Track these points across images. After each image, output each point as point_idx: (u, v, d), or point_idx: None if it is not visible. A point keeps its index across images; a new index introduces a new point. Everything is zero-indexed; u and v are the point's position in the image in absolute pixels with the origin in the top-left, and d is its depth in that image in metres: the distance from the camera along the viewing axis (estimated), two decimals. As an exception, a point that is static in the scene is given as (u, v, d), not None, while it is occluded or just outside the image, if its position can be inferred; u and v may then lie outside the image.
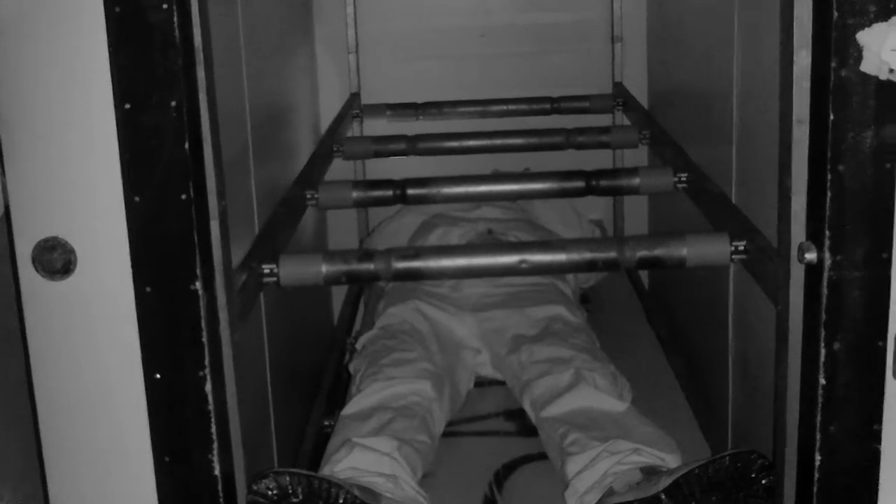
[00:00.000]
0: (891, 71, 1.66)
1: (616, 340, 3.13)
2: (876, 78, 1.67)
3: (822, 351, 1.83)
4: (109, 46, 1.65)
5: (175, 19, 1.63)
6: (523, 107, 3.96)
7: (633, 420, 2.49)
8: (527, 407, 2.70)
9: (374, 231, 3.80)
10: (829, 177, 1.76)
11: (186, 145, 1.69)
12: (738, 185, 2.59)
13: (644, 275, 3.98)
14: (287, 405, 2.86)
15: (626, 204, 4.13)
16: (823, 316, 1.81)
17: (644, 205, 4.04)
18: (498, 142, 3.66)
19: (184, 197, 1.70)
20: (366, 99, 4.06)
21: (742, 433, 2.63)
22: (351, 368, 2.88)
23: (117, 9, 1.62)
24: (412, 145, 3.65)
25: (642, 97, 3.93)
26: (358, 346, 2.95)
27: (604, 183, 3.01)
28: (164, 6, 1.62)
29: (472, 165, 3.72)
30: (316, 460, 2.74)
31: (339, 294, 3.95)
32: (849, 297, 1.79)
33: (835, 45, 1.67)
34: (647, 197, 3.94)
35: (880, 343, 1.80)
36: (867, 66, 1.69)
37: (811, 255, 1.82)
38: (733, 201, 2.57)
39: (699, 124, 3.03)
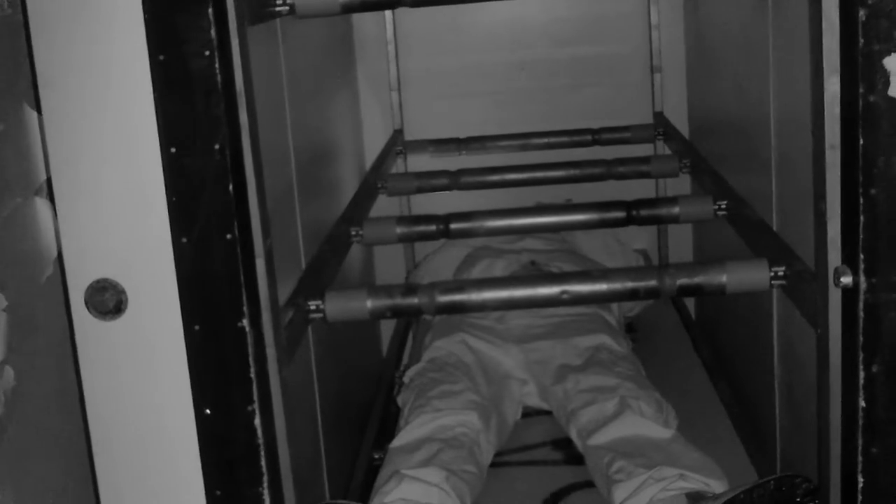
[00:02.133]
0: (918, 95, 1.68)
1: (662, 368, 3.15)
2: (905, 103, 1.70)
3: (861, 374, 1.84)
4: (154, 93, 1.71)
5: (216, 66, 1.69)
6: (564, 139, 3.99)
7: (679, 447, 2.50)
8: (573, 436, 2.72)
9: (420, 265, 3.85)
10: (861, 201, 1.78)
11: (230, 187, 1.74)
12: (778, 211, 2.61)
13: (690, 303, 4.00)
14: (337, 439, 2.90)
15: (671, 233, 4.15)
16: (861, 339, 1.83)
17: (689, 233, 4.06)
18: (539, 174, 3.71)
19: (229, 237, 1.75)
20: (409, 135, 4.12)
21: (790, 459, 2.64)
22: (399, 401, 2.92)
23: (161, 57, 1.68)
24: (455, 180, 3.70)
25: (683, 126, 3.96)
26: (405, 379, 2.99)
27: (644, 212, 3.04)
28: (206, 53, 1.67)
29: (514, 198, 3.76)
30: (366, 493, 2.78)
31: (387, 328, 3.99)
32: (886, 319, 1.81)
33: (862, 71, 1.70)
34: (691, 226, 3.96)
35: (919, 364, 1.82)
36: (895, 91, 1.71)
37: (847, 279, 1.84)
38: (774, 228, 2.59)
39: (739, 152, 3.05)
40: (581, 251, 3.64)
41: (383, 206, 3.75)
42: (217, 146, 1.72)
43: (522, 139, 4.02)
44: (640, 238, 4.12)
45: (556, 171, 3.71)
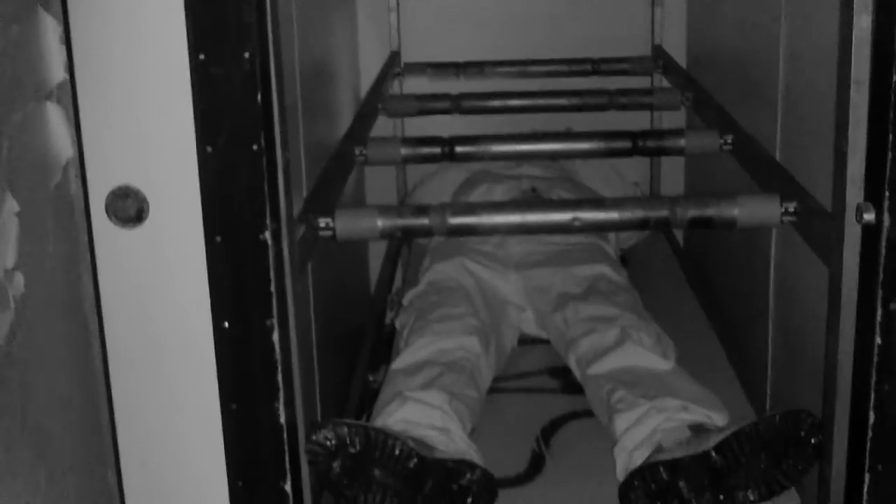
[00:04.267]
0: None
1: (656, 300, 3.14)
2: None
3: (879, 311, 1.85)
4: (185, -5, 1.67)
5: (249, -32, 1.66)
6: (563, 68, 3.97)
7: (679, 379, 2.51)
8: (572, 364, 2.73)
9: (417, 187, 3.82)
10: (890, 138, 1.78)
11: (258, 97, 1.71)
12: (782, 147, 2.60)
13: (679, 233, 4.00)
14: (330, 359, 2.90)
15: (664, 168, 4.14)
16: (881, 276, 1.84)
17: (680, 169, 4.05)
18: (541, 102, 3.69)
19: (255, 148, 1.72)
20: (406, 58, 4.08)
21: (782, 394, 2.66)
22: (397, 324, 2.91)
23: (194, -40, 1.64)
24: (456, 104, 3.67)
25: (681, 60, 3.94)
26: (404, 301, 2.98)
27: (650, 144, 3.03)
28: (240, -46, 1.64)
29: (511, 126, 3.74)
30: (360, 413, 2.78)
31: (375, 252, 3.98)
32: (907, 256, 1.82)
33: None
34: (683, 159, 3.95)
35: (938, 303, 1.83)
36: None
37: (869, 216, 1.84)
38: (780, 163, 2.58)
39: (741, 87, 3.04)
40: (580, 179, 3.62)
41: (377, 129, 3.72)
42: (247, 55, 1.69)
43: (521, 66, 3.99)
44: (634, 170, 4.11)
45: (558, 99, 3.69)
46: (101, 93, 1.73)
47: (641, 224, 2.32)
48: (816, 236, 2.17)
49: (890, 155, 1.79)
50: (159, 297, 1.82)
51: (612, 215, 2.29)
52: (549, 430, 2.57)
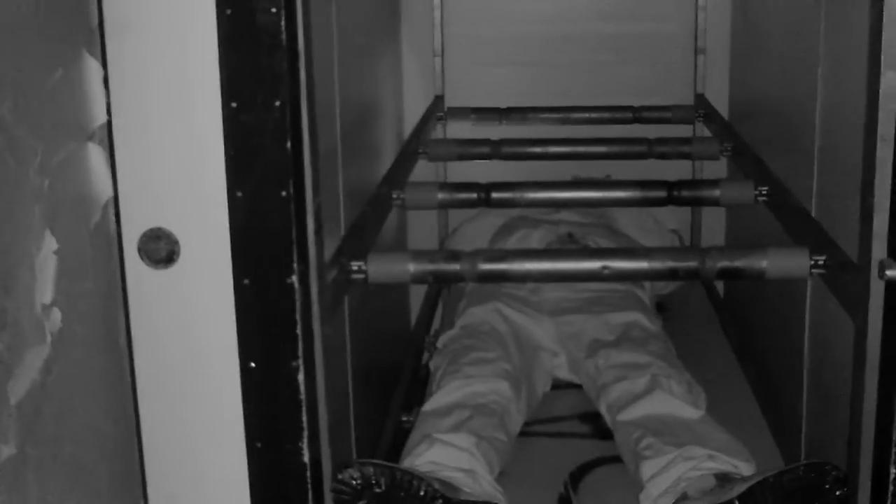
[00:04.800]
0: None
1: (691, 349, 3.17)
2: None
3: (902, 366, 1.87)
4: (219, 47, 1.72)
5: (282, 22, 1.70)
6: (605, 115, 4.01)
7: (708, 427, 2.53)
8: (603, 410, 2.74)
9: (456, 231, 3.86)
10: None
11: (288, 144, 1.76)
12: (817, 199, 2.61)
13: (719, 284, 4.00)
14: (366, 399, 2.93)
15: (705, 215, 4.15)
16: (904, 331, 1.85)
17: (722, 217, 4.06)
18: (581, 149, 3.72)
19: (284, 194, 1.77)
20: (449, 102, 4.13)
21: (815, 445, 2.65)
22: (431, 366, 2.94)
23: (228, 11, 1.69)
24: (496, 149, 3.71)
25: (723, 110, 3.96)
26: (439, 344, 3.02)
27: (685, 193, 3.05)
28: (273, 9, 1.69)
29: (550, 172, 3.76)
30: (393, 454, 2.80)
31: (416, 294, 4.02)
32: (929, 312, 1.83)
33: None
34: (724, 210, 3.96)
35: (959, 359, 1.84)
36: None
37: (892, 272, 1.86)
38: (813, 215, 2.60)
39: (780, 138, 3.06)
40: (617, 227, 3.65)
41: (419, 172, 3.76)
42: (278, 103, 1.74)
43: (563, 112, 4.03)
44: (674, 218, 4.12)
45: (597, 147, 3.72)
46: (136, 136, 1.79)
47: (671, 274, 2.34)
48: (844, 290, 2.18)
49: (913, 212, 1.81)
50: (188, 337, 1.86)
51: (642, 264, 2.31)
52: (578, 475, 2.58)
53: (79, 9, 1.82)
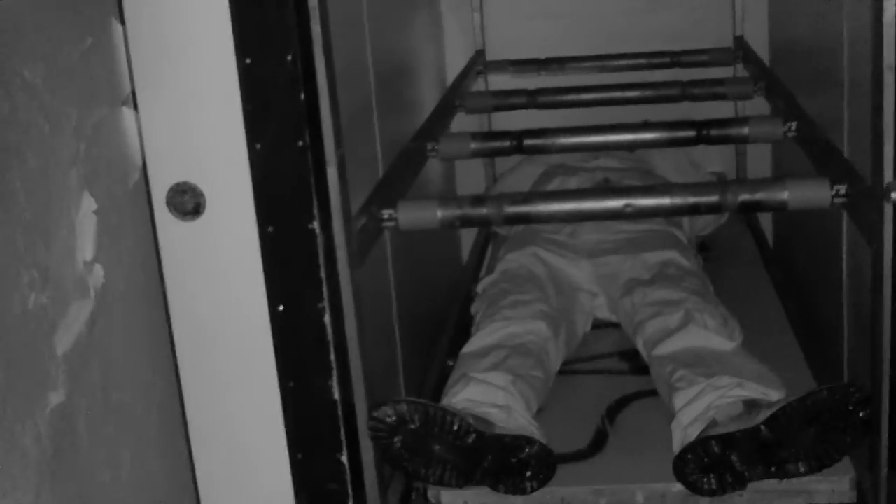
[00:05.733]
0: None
1: (732, 286, 3.21)
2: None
3: (911, 287, 1.91)
4: (230, 6, 1.80)
5: (289, -21, 1.79)
6: (643, 61, 4.04)
7: (741, 358, 2.57)
8: (639, 347, 2.80)
9: (498, 181, 3.93)
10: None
11: (301, 96, 1.84)
12: (849, 134, 2.64)
13: (767, 225, 4.03)
14: (415, 344, 3.02)
15: (750, 156, 4.17)
16: (910, 252, 1.90)
17: (768, 156, 4.07)
18: (615, 94, 3.75)
19: (300, 144, 1.86)
20: (490, 56, 4.18)
21: (857, 377, 2.68)
22: (472, 310, 3.02)
23: (237, -31, 1.78)
24: (532, 99, 3.76)
25: (764, 51, 3.97)
26: (479, 289, 3.09)
27: (714, 132, 3.07)
28: (279, -34, 1.77)
29: (594, 120, 3.80)
30: (438, 396, 2.89)
31: (468, 241, 4.09)
32: (935, 232, 1.87)
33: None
34: (770, 148, 3.98)
35: (968, 275, 1.88)
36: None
37: (896, 194, 1.90)
38: (845, 151, 2.62)
39: (813, 75, 3.07)
40: (655, 171, 3.69)
41: (465, 124, 3.83)
42: (289, 57, 1.82)
43: (601, 61, 4.06)
44: (719, 160, 4.15)
45: (631, 92, 3.74)
46: (157, 95, 1.88)
47: (692, 209, 2.39)
48: (863, 217, 2.21)
49: (916, 134, 1.85)
50: (219, 284, 1.96)
51: (664, 201, 2.36)
52: (615, 409, 2.65)
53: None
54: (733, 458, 2.23)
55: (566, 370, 2.83)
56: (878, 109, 1.97)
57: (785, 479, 2.25)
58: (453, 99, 3.63)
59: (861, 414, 2.17)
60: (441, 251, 3.71)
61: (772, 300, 3.26)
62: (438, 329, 3.33)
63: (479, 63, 4.09)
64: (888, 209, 1.97)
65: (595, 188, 3.28)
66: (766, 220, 4.03)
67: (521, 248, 3.12)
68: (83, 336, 1.78)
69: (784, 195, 2.36)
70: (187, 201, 1.90)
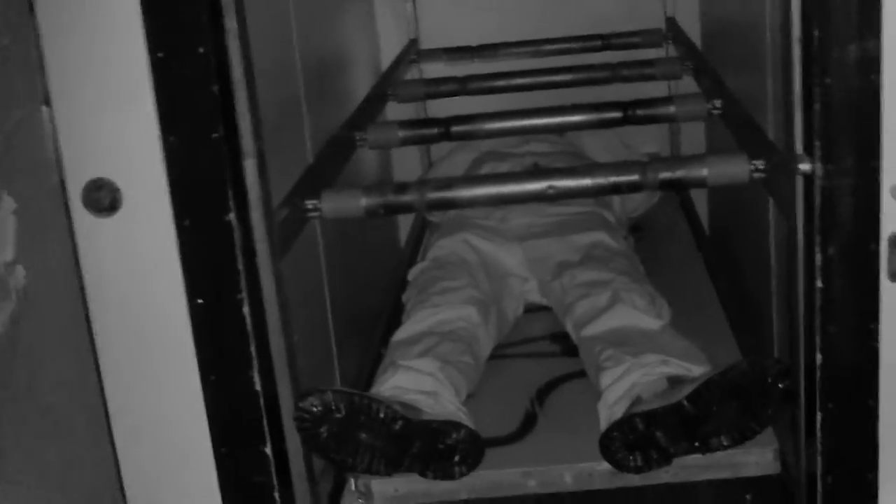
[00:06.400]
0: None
1: (664, 266, 3.25)
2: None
3: (819, 256, 1.94)
4: (141, 1, 1.81)
5: (197, -26, 1.80)
6: (575, 45, 4.07)
7: (668, 337, 2.60)
8: (569, 328, 2.83)
9: (430, 170, 3.95)
10: (817, 90, 1.87)
11: (215, 89, 1.85)
12: (773, 111, 2.67)
13: (702, 205, 4.06)
14: (350, 333, 3.03)
15: (684, 136, 4.21)
16: (818, 223, 1.93)
17: (702, 136, 4.11)
18: (545, 79, 3.78)
19: (214, 136, 1.86)
20: (425, 44, 4.20)
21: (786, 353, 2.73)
22: (403, 298, 3.03)
23: (148, -34, 1.79)
24: (463, 86, 3.79)
25: (696, 31, 4.00)
26: (410, 277, 3.10)
27: (640, 112, 3.11)
28: (188, -41, 1.78)
29: (529, 104, 3.82)
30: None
31: (405, 229, 4.11)
32: (840, 204, 1.91)
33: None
34: (703, 127, 4.02)
35: (873, 246, 1.91)
36: (848, -16, 1.79)
37: (805, 166, 1.94)
38: (770, 128, 2.65)
39: (741, 55, 3.10)
40: (585, 153, 3.72)
41: (400, 113, 3.84)
42: (201, 50, 1.83)
43: (534, 46, 4.09)
44: (653, 141, 4.19)
45: (562, 76, 3.78)
46: (71, 91, 1.88)
47: (614, 188, 2.41)
48: (780, 193, 2.25)
49: (818, 107, 1.88)
50: (138, 279, 1.96)
51: (586, 181, 2.39)
52: (545, 392, 2.67)
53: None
54: (658, 434, 2.26)
55: (498, 354, 2.86)
56: (787, 83, 2.00)
57: (709, 453, 2.28)
58: (385, 88, 3.65)
59: (781, 386, 2.20)
60: (377, 238, 3.72)
61: (703, 279, 3.30)
62: (376, 317, 3.34)
63: (412, 52, 4.10)
64: (799, 182, 2.00)
65: (517, 171, 3.30)
66: (702, 203, 4.07)
67: (451, 235, 3.13)
68: (5, 338, 1.78)
69: (703, 172, 2.39)
70: (103, 197, 1.90)
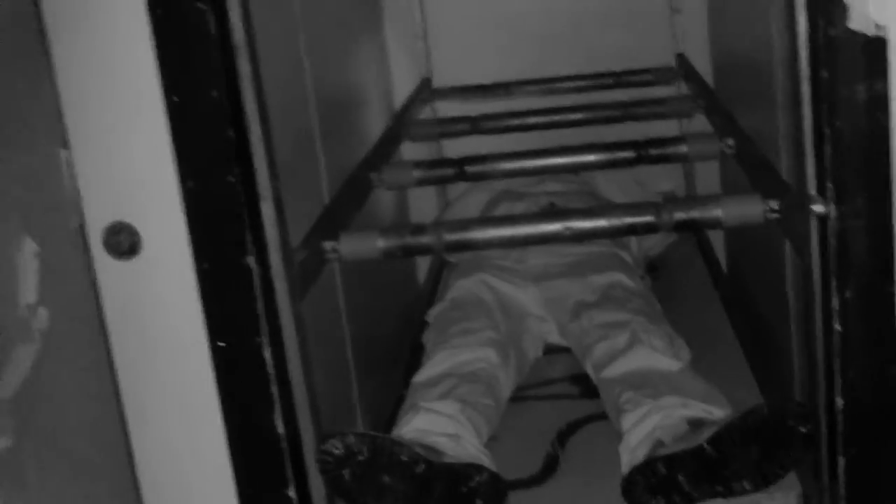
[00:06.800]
0: (878, 27, 1.75)
1: (680, 305, 3.24)
2: (864, 35, 1.76)
3: (835, 299, 1.94)
4: (155, 46, 1.82)
5: (211, 19, 1.81)
6: (587, 83, 4.08)
7: (687, 378, 2.59)
8: (589, 370, 2.82)
9: (446, 210, 3.95)
10: (827, 132, 1.87)
11: (230, 132, 1.86)
12: (785, 150, 2.67)
13: (719, 244, 4.05)
14: (371, 373, 3.03)
15: (699, 175, 4.21)
16: (833, 265, 1.92)
17: (716, 175, 4.11)
18: (558, 118, 3.79)
19: (231, 180, 1.87)
20: (439, 83, 4.21)
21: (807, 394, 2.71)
22: (423, 340, 3.03)
23: (159, 11, 1.80)
24: (475, 125, 3.80)
25: (707, 67, 4.01)
26: (429, 318, 3.10)
27: (653, 152, 3.12)
28: (201, 6, 1.79)
29: (543, 143, 3.83)
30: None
31: (424, 268, 4.11)
32: (855, 244, 1.90)
33: (822, 5, 1.78)
34: (718, 166, 4.01)
35: (889, 288, 1.90)
36: (855, 24, 1.78)
37: (819, 208, 1.93)
38: (783, 166, 2.65)
39: (750, 92, 3.11)
40: (600, 193, 3.72)
41: (416, 153, 3.86)
42: (214, 93, 1.84)
43: (546, 84, 4.10)
44: (668, 180, 4.19)
45: (574, 115, 3.80)
46: (89, 137, 1.90)
47: (629, 230, 2.42)
48: (794, 232, 2.24)
49: (829, 149, 1.88)
50: (159, 322, 1.97)
51: (601, 222, 2.39)
52: (566, 434, 2.66)
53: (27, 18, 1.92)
54: (680, 478, 2.24)
55: (518, 396, 2.85)
56: (797, 122, 2.00)
57: (731, 497, 2.27)
58: (399, 127, 3.66)
59: (802, 430, 2.19)
60: (396, 278, 3.72)
61: (720, 318, 3.29)
62: (396, 357, 3.34)
63: (425, 91, 4.12)
64: (813, 223, 1.99)
65: (533, 213, 3.31)
66: (719, 241, 4.07)
67: (469, 275, 3.14)
68: (29, 380, 1.79)
69: (718, 212, 2.39)
70: (123, 241, 1.91)
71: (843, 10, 1.77)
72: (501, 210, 3.51)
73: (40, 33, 1.88)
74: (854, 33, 1.77)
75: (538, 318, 3.10)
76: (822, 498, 2.13)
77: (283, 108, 2.27)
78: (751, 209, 2.35)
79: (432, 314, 3.10)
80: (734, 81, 3.51)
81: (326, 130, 2.76)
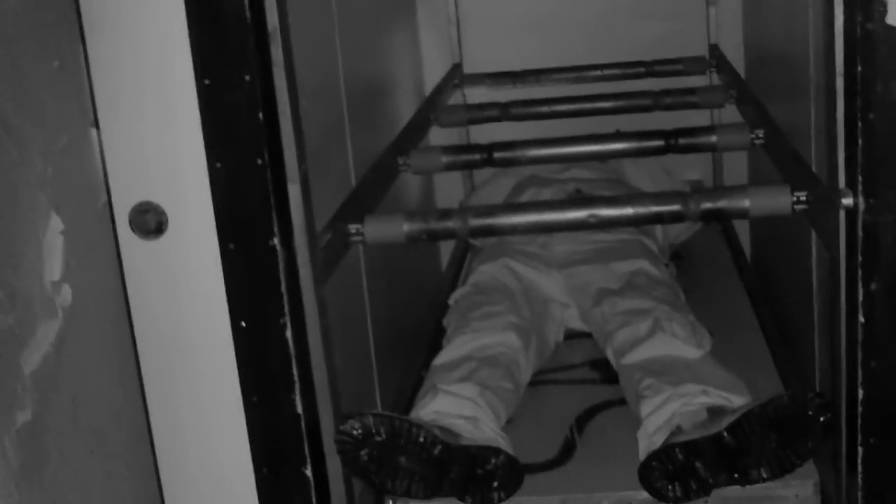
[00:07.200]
0: (916, 22, 1.75)
1: (705, 294, 3.24)
2: (902, 29, 1.77)
3: (861, 291, 1.94)
4: (189, 28, 1.84)
5: (247, 3, 1.82)
6: (617, 71, 4.07)
7: (707, 366, 2.60)
8: (609, 356, 2.83)
9: (472, 194, 3.97)
10: (860, 125, 1.87)
11: (260, 115, 1.87)
12: (816, 142, 2.67)
13: (744, 233, 4.05)
14: (392, 356, 3.05)
15: (727, 164, 4.20)
16: (860, 257, 1.93)
17: (745, 162, 4.10)
18: (587, 106, 3.80)
19: (259, 162, 1.89)
20: (469, 69, 4.22)
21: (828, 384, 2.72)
22: (444, 323, 3.05)
23: (198, -2, 1.82)
24: (505, 111, 3.80)
25: (740, 59, 4.00)
26: (451, 301, 3.12)
27: (682, 141, 3.11)
28: (238, -6, 1.81)
29: (571, 130, 3.84)
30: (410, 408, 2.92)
31: (448, 253, 4.13)
32: (883, 238, 1.91)
33: (861, 0, 1.79)
34: (746, 156, 4.01)
35: (915, 282, 1.91)
36: (893, 19, 1.79)
37: (847, 201, 1.94)
38: (813, 157, 2.65)
39: (783, 83, 3.11)
40: (627, 181, 3.72)
41: (444, 138, 3.87)
42: (247, 78, 1.85)
43: (576, 72, 4.10)
44: (696, 168, 4.18)
45: (603, 103, 3.79)
46: (119, 117, 1.92)
47: (655, 218, 2.42)
48: (822, 225, 2.24)
49: (861, 142, 1.88)
50: (183, 301, 1.99)
51: (627, 211, 2.40)
52: (584, 419, 2.67)
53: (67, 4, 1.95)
54: (697, 464, 2.25)
55: (537, 380, 2.86)
56: (830, 115, 2.00)
57: (749, 486, 2.28)
58: (428, 113, 3.67)
59: (822, 419, 2.20)
60: (419, 262, 3.74)
61: (744, 308, 3.29)
62: (417, 340, 3.36)
63: (455, 76, 4.13)
64: (842, 216, 2.00)
65: (559, 199, 3.31)
66: (745, 231, 4.07)
67: (493, 260, 3.15)
68: (51, 355, 1.81)
69: (745, 203, 2.39)
70: (150, 220, 1.93)
71: (882, 5, 1.77)
72: (527, 196, 3.51)
73: (76, 13, 1.89)
74: (891, 28, 1.78)
75: (561, 304, 3.11)
76: (840, 487, 2.14)
77: (314, 93, 2.28)
78: (779, 200, 2.35)
79: (455, 297, 3.11)
80: (767, 73, 3.51)
81: (356, 115, 2.78)
